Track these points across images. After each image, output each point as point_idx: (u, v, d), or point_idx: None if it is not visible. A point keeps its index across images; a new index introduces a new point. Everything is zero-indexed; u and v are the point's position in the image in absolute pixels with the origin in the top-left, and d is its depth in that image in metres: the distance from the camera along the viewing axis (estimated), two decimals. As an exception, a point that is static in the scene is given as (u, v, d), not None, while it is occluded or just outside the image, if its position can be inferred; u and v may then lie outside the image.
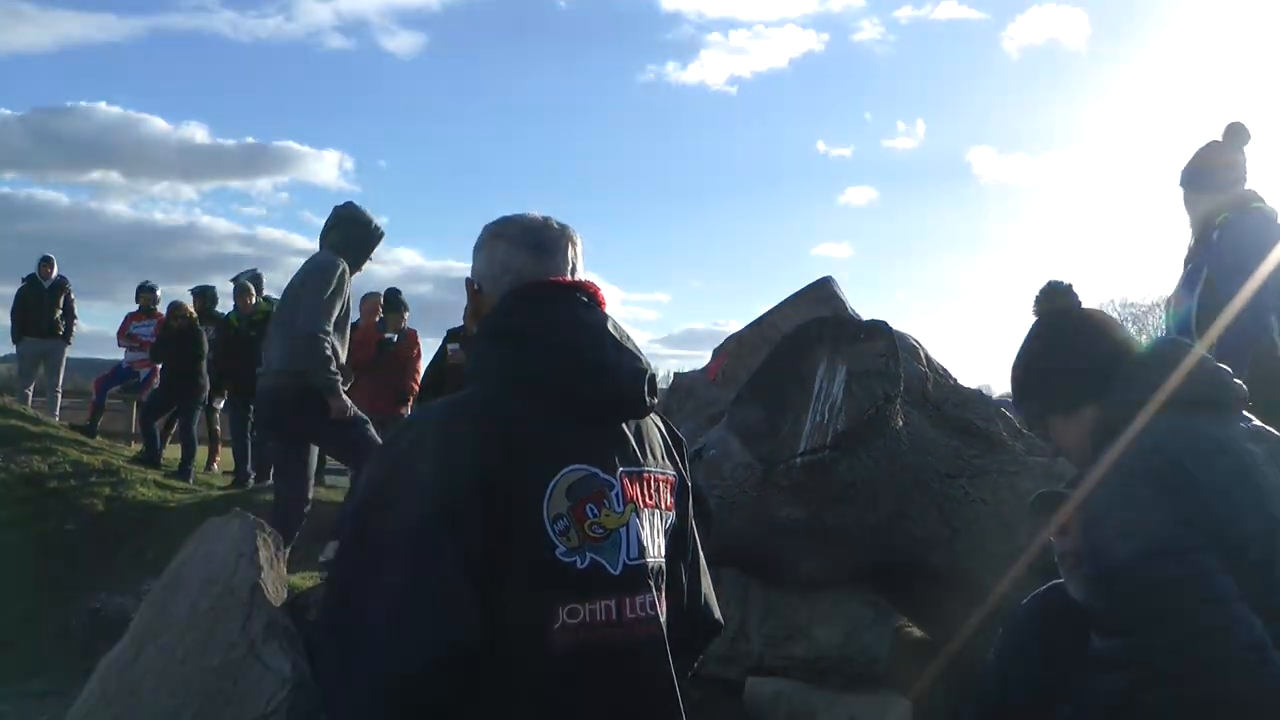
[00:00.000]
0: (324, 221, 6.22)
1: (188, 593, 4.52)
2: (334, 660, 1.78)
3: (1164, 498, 2.17)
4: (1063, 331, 2.61)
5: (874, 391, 4.11)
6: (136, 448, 12.13)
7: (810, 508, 4.13)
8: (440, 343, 9.74)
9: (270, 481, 10.11)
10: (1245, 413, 2.42)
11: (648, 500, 1.94)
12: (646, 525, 1.91)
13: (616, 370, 1.93)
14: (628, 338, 2.02)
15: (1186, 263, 5.18)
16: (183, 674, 4.25)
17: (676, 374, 5.79)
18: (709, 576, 2.23)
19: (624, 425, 1.97)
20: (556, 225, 2.11)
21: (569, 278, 2.07)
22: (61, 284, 12.76)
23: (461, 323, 9.17)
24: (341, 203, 6.31)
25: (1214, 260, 4.97)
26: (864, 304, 5.38)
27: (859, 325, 4.35)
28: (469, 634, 1.69)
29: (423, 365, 10.27)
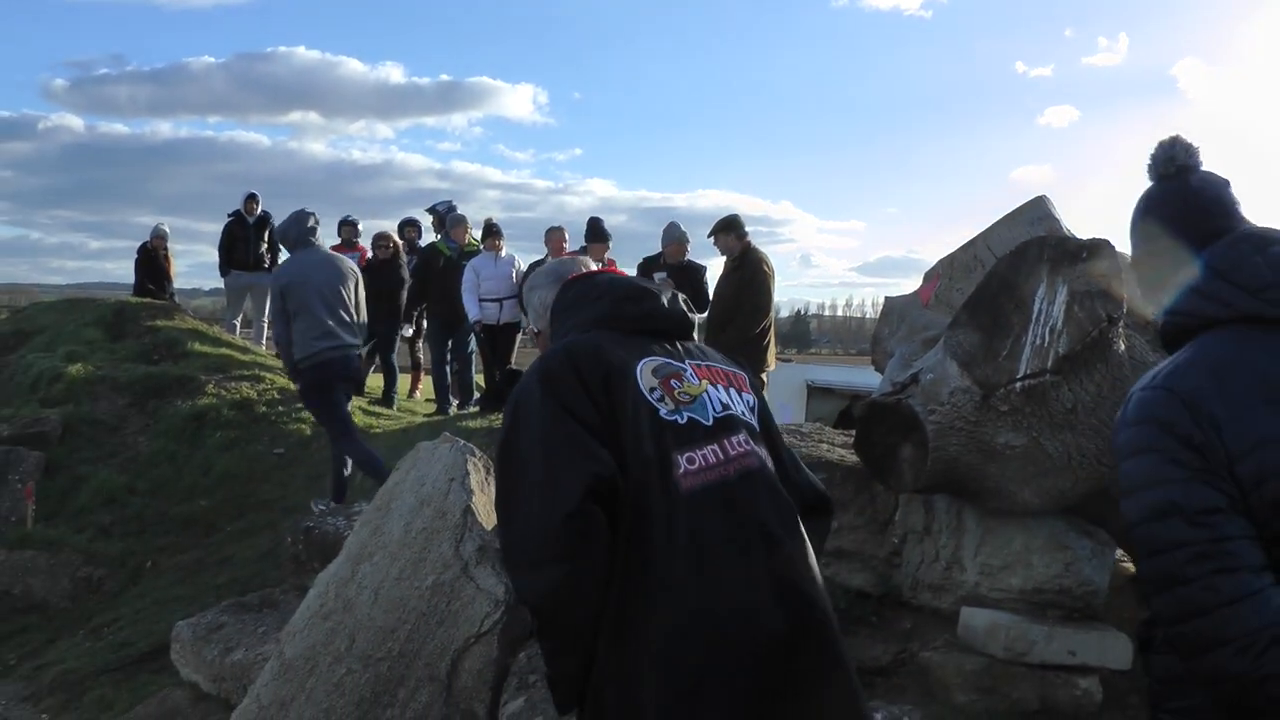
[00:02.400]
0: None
1: (401, 514, 4.65)
2: (512, 536, 2.22)
3: (1183, 447, 1.89)
4: (1160, 219, 2.19)
5: (1096, 313, 3.89)
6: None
7: (1029, 434, 3.96)
8: (634, 273, 9.83)
9: (474, 408, 10.39)
10: None
11: (718, 379, 2.44)
12: (723, 392, 2.41)
13: (656, 297, 2.53)
14: (653, 281, 2.71)
15: None
16: (398, 591, 4.38)
17: (887, 298, 5.63)
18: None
19: (679, 343, 2.50)
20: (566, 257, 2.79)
21: None
22: (265, 220, 13.28)
23: (659, 249, 9.55)
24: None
25: None
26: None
27: (1080, 244, 4.10)
28: (607, 469, 2.15)
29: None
